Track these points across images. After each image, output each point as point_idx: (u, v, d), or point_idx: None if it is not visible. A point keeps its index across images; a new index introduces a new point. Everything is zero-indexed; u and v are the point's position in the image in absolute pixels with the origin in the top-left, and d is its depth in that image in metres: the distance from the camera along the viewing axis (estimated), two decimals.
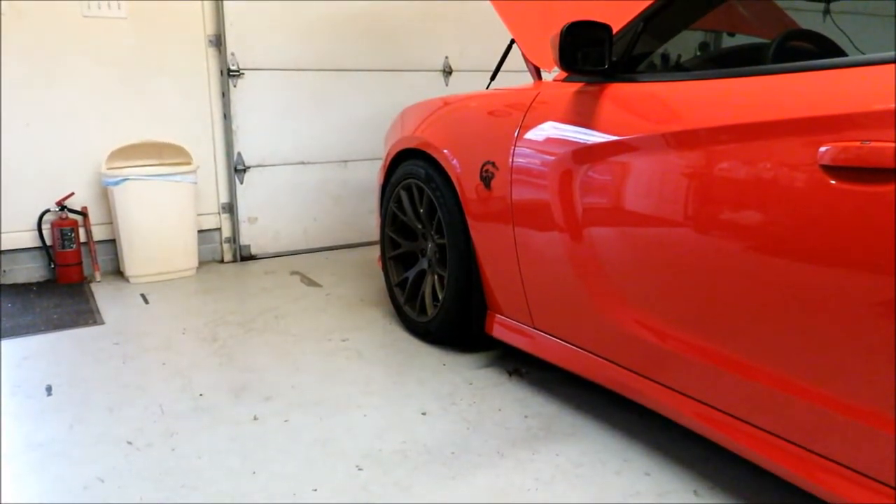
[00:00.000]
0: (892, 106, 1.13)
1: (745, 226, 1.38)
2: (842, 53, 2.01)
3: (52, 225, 3.31)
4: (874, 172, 1.15)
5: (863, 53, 1.34)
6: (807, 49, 1.95)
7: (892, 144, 1.12)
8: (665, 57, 2.33)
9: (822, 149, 1.22)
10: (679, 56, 2.40)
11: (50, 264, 3.39)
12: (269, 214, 3.90)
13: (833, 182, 1.21)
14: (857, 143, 1.16)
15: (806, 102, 1.26)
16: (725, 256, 1.42)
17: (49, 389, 2.15)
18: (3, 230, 3.28)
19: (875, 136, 1.14)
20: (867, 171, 1.16)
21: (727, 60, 2.07)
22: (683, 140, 1.49)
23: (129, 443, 1.83)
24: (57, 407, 2.04)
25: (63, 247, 3.31)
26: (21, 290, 3.25)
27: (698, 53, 2.57)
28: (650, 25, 1.75)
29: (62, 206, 3.33)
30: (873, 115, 1.15)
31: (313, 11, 3.79)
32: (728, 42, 2.60)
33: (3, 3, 3.08)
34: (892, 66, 1.18)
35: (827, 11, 2.45)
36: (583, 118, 1.76)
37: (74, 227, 3.33)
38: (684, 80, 1.57)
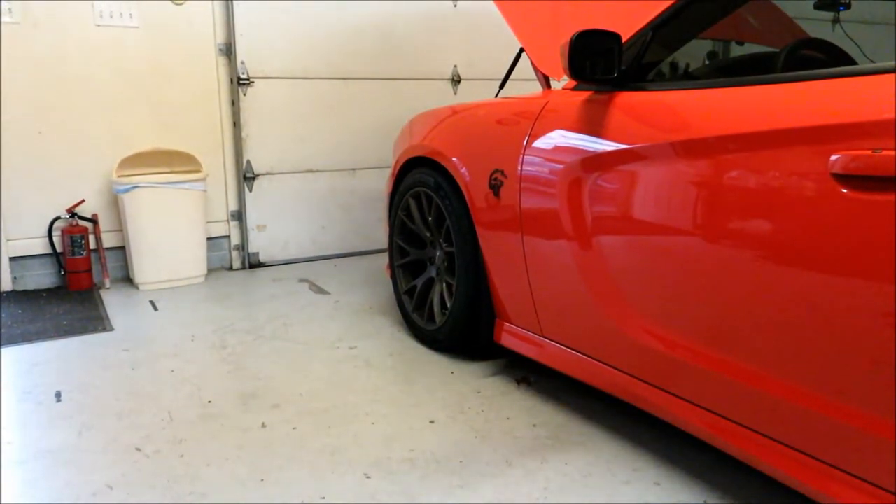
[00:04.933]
0: None
1: (755, 235, 1.37)
2: (852, 62, 2.01)
3: (63, 232, 3.33)
4: (885, 181, 1.14)
5: (873, 62, 1.34)
6: (817, 58, 1.95)
7: None
8: (674, 66, 2.34)
9: (833, 157, 1.21)
10: (688, 65, 2.40)
11: (60, 271, 3.41)
12: (278, 222, 3.92)
13: (844, 191, 1.20)
14: (869, 152, 1.16)
15: (816, 111, 1.26)
16: (735, 265, 1.41)
17: (58, 396, 2.16)
18: (14, 237, 3.31)
19: (886, 145, 1.14)
20: (878, 180, 1.15)
21: (737, 69, 2.07)
22: (693, 149, 1.49)
23: (138, 449, 1.83)
24: (66, 413, 2.04)
25: (73, 254, 3.33)
26: (31, 296, 3.27)
27: (707, 62, 2.57)
28: (659, 34, 1.75)
29: (72, 213, 3.35)
30: (884, 124, 1.15)
31: (323, 20, 3.81)
32: (737, 51, 2.60)
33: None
34: None
35: (836, 20, 2.44)
36: (592, 127, 1.76)
37: (84, 234, 3.35)
38: (694, 88, 1.57)
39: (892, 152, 1.13)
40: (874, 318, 1.19)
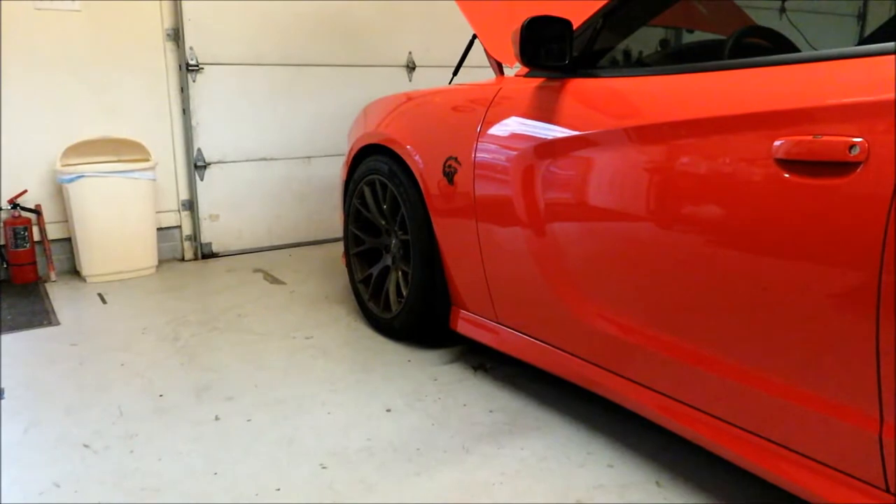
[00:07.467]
0: (843, 101, 1.16)
1: (704, 220, 1.40)
2: (796, 50, 2.05)
3: (5, 224, 3.22)
4: (826, 166, 1.17)
5: (815, 49, 1.37)
6: (762, 45, 1.99)
7: (843, 138, 1.14)
8: (626, 53, 2.36)
9: (777, 143, 1.24)
10: (640, 52, 2.43)
11: (2, 264, 3.29)
12: (231, 211, 3.85)
13: (787, 175, 1.23)
14: (810, 137, 1.19)
15: (761, 97, 1.29)
16: (685, 250, 1.44)
17: (1, 393, 2.09)
18: None
19: (826, 130, 1.17)
20: (819, 165, 1.18)
21: (686, 56, 2.10)
22: (643, 135, 1.50)
23: (86, 446, 1.79)
24: (11, 410, 1.98)
25: (16, 246, 3.22)
26: None
27: (658, 49, 2.60)
28: (610, 21, 1.76)
29: (15, 203, 3.24)
30: (825, 110, 1.18)
31: (274, 5, 3.74)
32: (687, 39, 2.64)
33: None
34: (843, 61, 1.20)
35: (783, 10, 2.50)
36: (544, 113, 1.77)
37: (28, 225, 3.24)
38: (644, 75, 1.58)
39: (832, 137, 1.16)
40: (819, 300, 1.22)
